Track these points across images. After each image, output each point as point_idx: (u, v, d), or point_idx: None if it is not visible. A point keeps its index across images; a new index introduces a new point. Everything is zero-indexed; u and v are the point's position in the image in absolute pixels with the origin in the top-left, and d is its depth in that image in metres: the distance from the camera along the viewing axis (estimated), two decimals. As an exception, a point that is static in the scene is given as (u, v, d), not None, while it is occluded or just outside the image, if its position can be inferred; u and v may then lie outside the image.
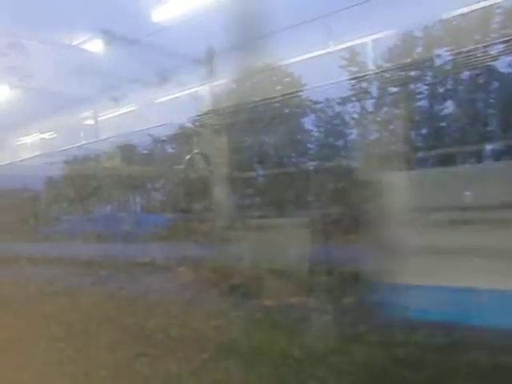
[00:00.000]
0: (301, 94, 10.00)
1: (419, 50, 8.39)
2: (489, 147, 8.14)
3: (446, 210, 4.70)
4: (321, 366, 3.54)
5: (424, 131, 8.67)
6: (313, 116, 10.05)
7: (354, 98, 9.20)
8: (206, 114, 10.48)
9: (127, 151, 13.14)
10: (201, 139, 10.54)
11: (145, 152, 13.36)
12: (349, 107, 9.42)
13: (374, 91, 8.86)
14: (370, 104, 9.00)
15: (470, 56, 7.58)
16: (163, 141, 12.64)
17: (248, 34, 7.36)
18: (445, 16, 8.08)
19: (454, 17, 7.95)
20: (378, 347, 3.76)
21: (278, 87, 10.00)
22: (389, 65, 8.61)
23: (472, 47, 7.58)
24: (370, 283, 4.73)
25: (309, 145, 10.29)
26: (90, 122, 14.09)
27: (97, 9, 9.90)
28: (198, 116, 10.94)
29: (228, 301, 5.55)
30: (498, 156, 8.08)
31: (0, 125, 13.88)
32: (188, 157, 10.54)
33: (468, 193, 4.66)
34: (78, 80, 11.11)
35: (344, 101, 9.39)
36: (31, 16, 10.53)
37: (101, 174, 13.58)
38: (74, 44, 11.42)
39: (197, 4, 8.73)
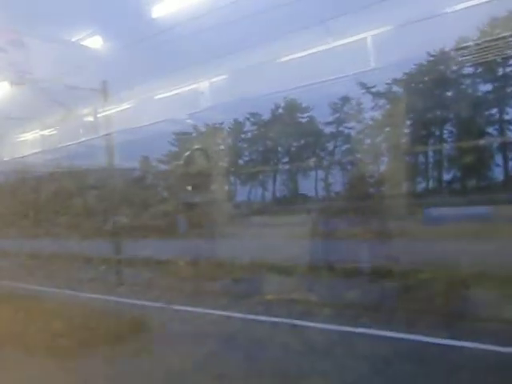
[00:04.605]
0: None
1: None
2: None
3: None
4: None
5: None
6: None
7: None
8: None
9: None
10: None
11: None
12: None
13: None
14: None
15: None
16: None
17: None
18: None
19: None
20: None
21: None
22: None
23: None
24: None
25: None
26: (90, 118, 14.07)
27: (96, 5, 9.92)
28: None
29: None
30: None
31: (0, 121, 13.87)
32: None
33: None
34: (77, 76, 11.13)
35: None
36: (31, 12, 10.55)
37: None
38: (73, 40, 11.43)
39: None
